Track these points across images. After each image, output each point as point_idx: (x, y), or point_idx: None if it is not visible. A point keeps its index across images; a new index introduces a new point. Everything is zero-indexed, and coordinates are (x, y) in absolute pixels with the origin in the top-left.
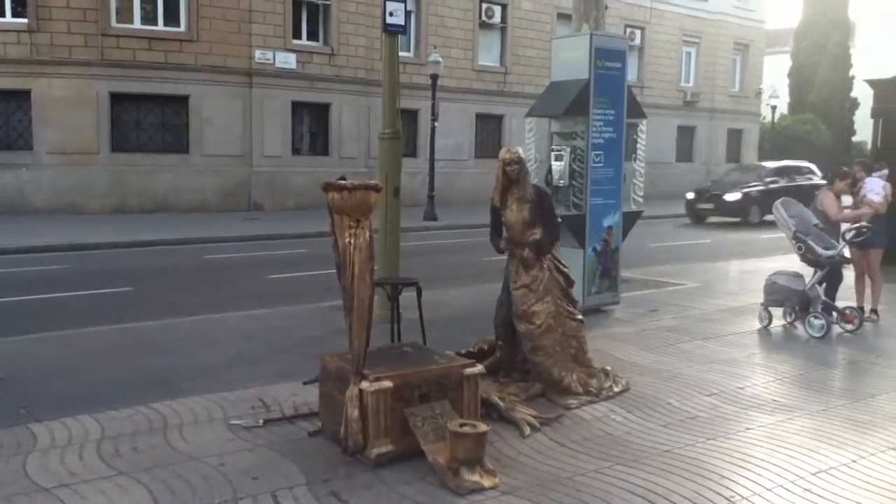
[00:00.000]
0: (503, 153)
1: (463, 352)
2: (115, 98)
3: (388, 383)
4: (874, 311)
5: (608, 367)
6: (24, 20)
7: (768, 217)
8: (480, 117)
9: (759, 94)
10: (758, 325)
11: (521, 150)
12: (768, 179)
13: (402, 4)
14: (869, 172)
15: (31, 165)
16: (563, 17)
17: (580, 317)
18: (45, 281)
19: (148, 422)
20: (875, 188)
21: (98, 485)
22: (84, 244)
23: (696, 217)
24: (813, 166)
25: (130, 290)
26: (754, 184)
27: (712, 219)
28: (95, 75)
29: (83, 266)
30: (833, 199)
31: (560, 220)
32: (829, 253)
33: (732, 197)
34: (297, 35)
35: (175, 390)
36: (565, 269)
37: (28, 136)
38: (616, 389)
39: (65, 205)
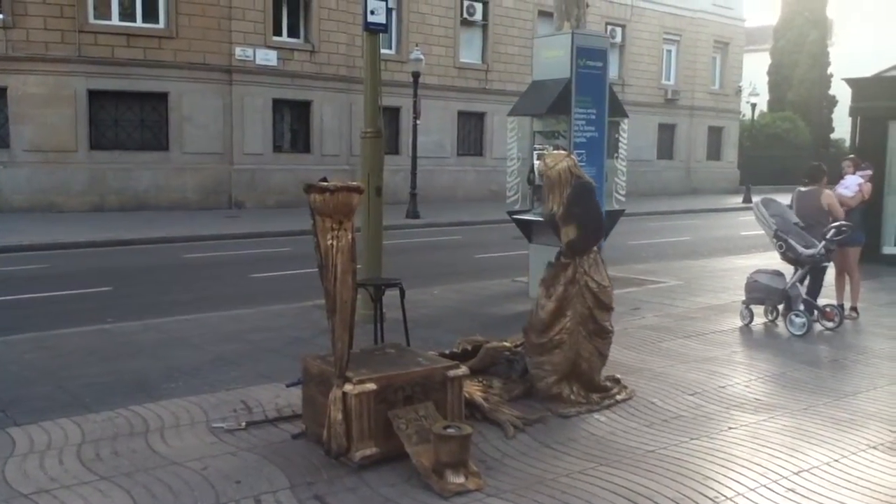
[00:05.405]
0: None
1: (447, 352)
2: (93, 95)
3: (371, 385)
4: (854, 308)
5: (617, 375)
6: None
7: None
8: (462, 115)
9: (738, 91)
10: (739, 323)
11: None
12: None
13: (384, 3)
14: (856, 169)
15: (8, 163)
16: (545, 14)
17: (609, 336)
18: (23, 281)
19: (129, 425)
20: (850, 185)
21: (78, 490)
22: (62, 243)
23: None
24: None
25: (110, 289)
26: None
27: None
28: (73, 72)
29: (61, 265)
30: (837, 200)
31: (540, 219)
32: (810, 251)
33: None
34: (277, 32)
35: (156, 393)
36: (600, 287)
37: (5, 133)
38: (619, 398)
39: (43, 203)
